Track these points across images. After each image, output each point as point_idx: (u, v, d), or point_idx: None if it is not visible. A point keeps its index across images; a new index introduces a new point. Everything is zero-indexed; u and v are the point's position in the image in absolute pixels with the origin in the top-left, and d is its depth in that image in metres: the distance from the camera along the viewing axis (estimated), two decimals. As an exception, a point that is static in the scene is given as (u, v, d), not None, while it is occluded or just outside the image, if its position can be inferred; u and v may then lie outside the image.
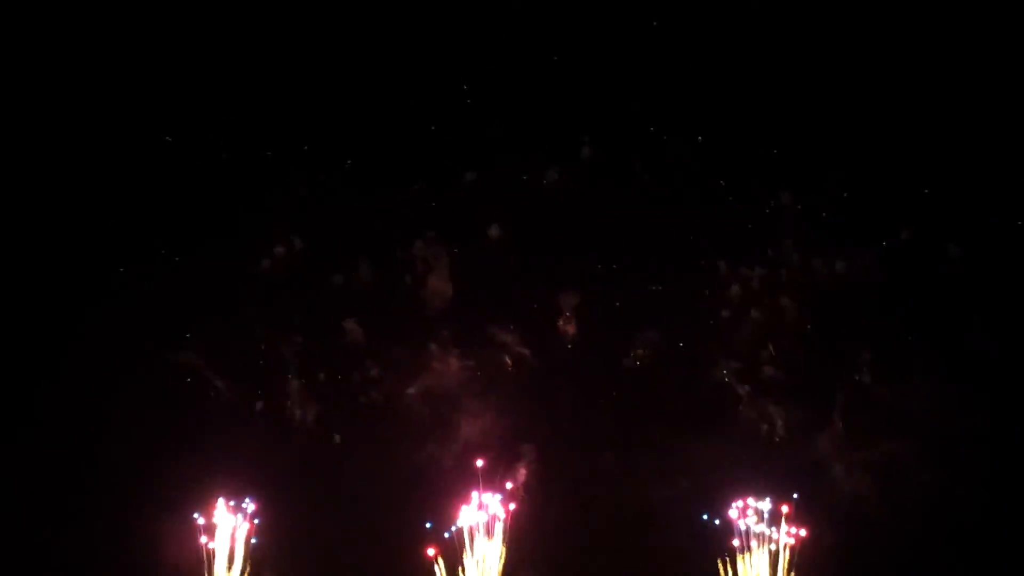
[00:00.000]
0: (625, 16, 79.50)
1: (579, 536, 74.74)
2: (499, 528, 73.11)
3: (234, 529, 72.73)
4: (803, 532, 72.85)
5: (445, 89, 78.05)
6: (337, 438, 75.96)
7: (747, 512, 73.46)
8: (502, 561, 73.11)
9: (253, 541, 73.32)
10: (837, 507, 74.40)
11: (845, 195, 79.11)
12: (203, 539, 72.04)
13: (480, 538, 72.87)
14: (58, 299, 74.13)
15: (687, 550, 73.87)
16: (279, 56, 76.72)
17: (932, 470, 74.55)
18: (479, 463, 74.00)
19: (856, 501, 74.64)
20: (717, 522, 74.12)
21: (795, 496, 73.45)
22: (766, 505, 73.49)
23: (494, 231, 78.44)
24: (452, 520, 72.57)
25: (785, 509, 72.99)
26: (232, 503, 72.83)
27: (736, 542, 73.52)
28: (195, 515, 72.17)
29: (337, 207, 77.37)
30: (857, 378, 76.56)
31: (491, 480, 73.88)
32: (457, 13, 77.60)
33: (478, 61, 77.89)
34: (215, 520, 72.41)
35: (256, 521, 73.04)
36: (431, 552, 72.10)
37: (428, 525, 72.82)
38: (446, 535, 72.51)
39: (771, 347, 77.02)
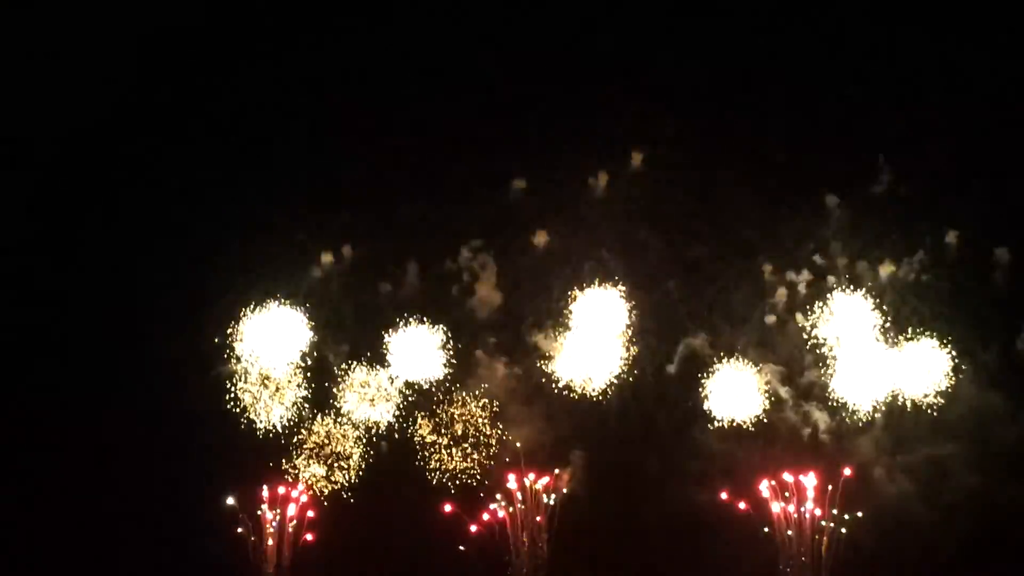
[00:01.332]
0: (672, 24, 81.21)
1: (625, 537, 76.23)
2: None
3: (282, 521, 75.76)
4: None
5: (492, 98, 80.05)
6: (384, 445, 78.06)
7: (780, 490, 74.78)
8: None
9: (308, 538, 76.29)
10: (880, 509, 75.23)
11: (891, 200, 79.49)
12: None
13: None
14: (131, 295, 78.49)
15: (731, 551, 75.34)
16: (329, 66, 79.83)
17: (978, 474, 75.02)
18: (518, 444, 76.68)
19: (899, 502, 75.34)
20: (743, 505, 75.52)
21: (847, 472, 74.62)
22: (811, 481, 74.61)
23: (540, 239, 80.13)
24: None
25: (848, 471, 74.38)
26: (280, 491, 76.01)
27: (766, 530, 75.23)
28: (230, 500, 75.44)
29: (386, 217, 79.68)
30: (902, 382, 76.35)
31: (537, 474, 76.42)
32: (504, 24, 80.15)
33: (525, 69, 79.92)
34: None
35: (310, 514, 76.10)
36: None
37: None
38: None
39: (814, 351, 77.46)
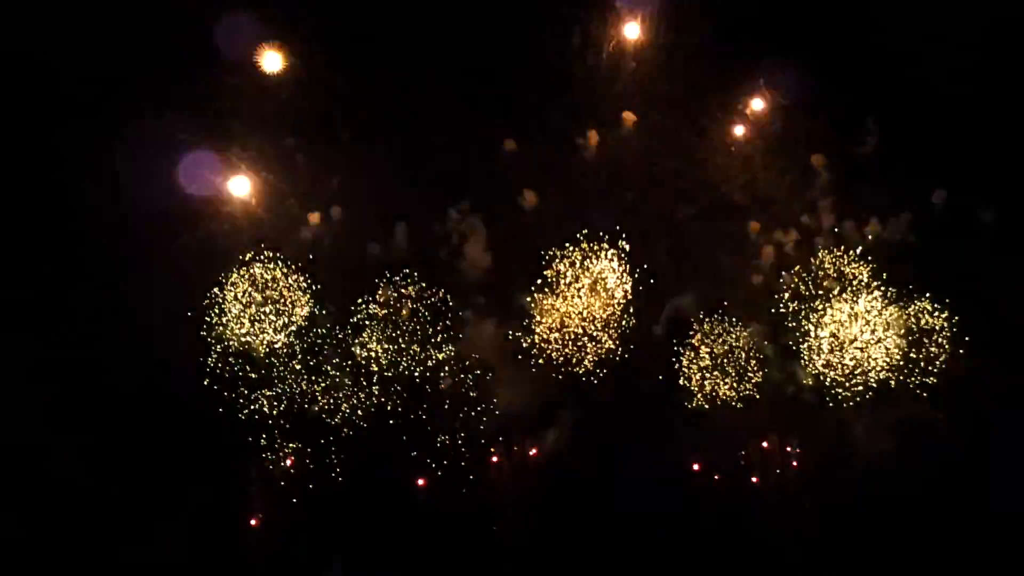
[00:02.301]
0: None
1: (609, 505, 75.39)
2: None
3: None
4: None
5: (480, 56, 77.41)
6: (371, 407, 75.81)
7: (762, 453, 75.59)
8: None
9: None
10: (863, 471, 75.86)
11: (877, 159, 78.98)
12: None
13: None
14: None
15: (716, 516, 75.70)
16: (316, 28, 76.62)
17: (962, 434, 75.47)
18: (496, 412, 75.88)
19: (883, 464, 75.68)
20: (717, 477, 76.10)
21: (831, 435, 75.76)
22: (793, 443, 75.72)
23: (529, 199, 78.20)
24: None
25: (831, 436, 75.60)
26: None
27: None
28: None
29: (372, 177, 77.16)
30: (888, 342, 76.35)
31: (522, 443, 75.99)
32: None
33: (515, 28, 77.10)
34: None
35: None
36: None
37: None
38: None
39: (801, 309, 77.13)
